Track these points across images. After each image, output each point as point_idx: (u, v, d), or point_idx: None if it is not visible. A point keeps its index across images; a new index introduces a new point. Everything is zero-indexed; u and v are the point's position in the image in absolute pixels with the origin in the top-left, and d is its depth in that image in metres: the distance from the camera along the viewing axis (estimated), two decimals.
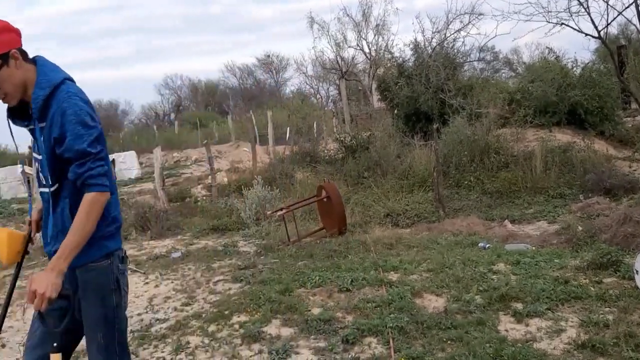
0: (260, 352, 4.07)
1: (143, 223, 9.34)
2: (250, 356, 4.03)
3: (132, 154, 23.77)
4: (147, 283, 6.30)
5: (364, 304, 4.74)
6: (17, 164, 25.52)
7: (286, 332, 4.38)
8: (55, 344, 2.37)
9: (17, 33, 2.37)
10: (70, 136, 2.28)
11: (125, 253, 2.60)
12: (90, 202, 2.27)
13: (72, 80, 2.46)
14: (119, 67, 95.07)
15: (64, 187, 2.40)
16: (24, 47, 2.40)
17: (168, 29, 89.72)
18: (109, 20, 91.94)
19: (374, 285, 5.23)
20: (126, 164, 22.76)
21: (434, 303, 4.76)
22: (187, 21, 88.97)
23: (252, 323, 4.57)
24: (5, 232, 2.58)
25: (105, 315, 2.45)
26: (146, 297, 5.77)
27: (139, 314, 5.24)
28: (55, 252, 2.30)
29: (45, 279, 2.20)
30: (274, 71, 53.04)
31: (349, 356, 3.87)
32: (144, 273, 6.69)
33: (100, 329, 2.44)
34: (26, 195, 20.26)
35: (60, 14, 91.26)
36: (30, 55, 2.44)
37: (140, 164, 23.64)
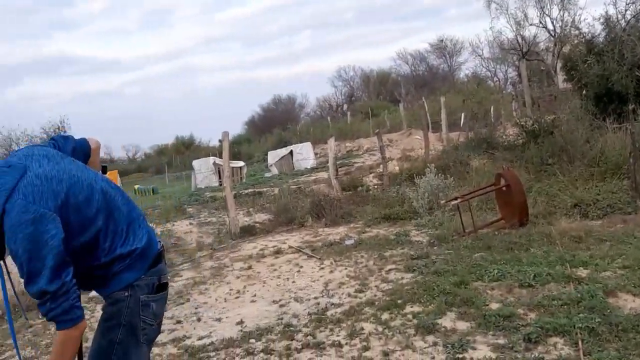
0: (435, 344, 3.96)
1: (318, 211, 9.74)
2: (424, 347, 3.93)
3: (308, 144, 25.01)
4: (322, 268, 6.53)
5: (549, 301, 4.39)
6: (209, 156, 28.36)
7: (462, 326, 4.21)
8: None
9: None
10: (22, 275, 1.96)
11: (159, 279, 2.29)
12: (62, 342, 2.01)
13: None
14: (296, 62, 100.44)
15: None
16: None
17: (340, 22, 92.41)
18: (288, 19, 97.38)
19: (559, 281, 4.82)
20: (302, 154, 24.02)
21: (630, 304, 4.24)
22: (358, 13, 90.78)
23: (425, 314, 4.47)
24: None
25: (102, 347, 2.17)
26: (322, 281, 5.98)
27: (315, 298, 5.44)
28: None
29: None
30: (447, 56, 51.92)
31: (532, 356, 3.59)
32: (320, 259, 6.95)
33: None
34: (217, 184, 22.36)
35: (244, 15, 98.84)
36: None
37: (316, 154, 24.73)
